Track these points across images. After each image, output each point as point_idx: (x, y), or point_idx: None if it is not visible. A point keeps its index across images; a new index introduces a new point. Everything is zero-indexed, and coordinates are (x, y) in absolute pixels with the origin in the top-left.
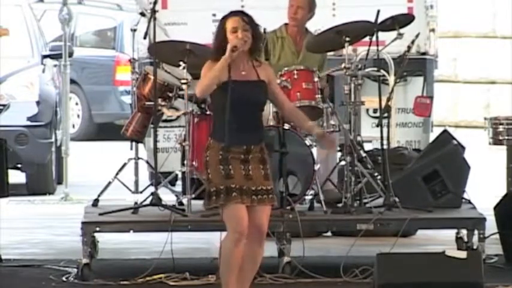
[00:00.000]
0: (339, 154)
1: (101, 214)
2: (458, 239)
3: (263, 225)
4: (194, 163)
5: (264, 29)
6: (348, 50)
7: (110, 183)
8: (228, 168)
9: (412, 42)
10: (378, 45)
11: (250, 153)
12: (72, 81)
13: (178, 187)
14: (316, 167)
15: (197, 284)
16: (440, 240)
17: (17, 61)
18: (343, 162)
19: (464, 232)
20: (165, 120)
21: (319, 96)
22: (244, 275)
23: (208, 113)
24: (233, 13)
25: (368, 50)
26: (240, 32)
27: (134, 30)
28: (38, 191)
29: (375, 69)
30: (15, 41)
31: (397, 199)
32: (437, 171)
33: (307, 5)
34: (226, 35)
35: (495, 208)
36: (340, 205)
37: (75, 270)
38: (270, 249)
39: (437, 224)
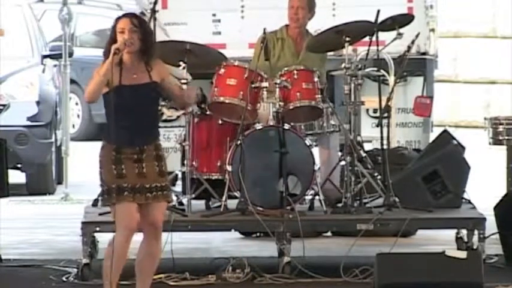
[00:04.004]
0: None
1: (101, 214)
2: (458, 239)
3: (158, 221)
4: (194, 163)
5: (264, 29)
6: (348, 50)
7: None
8: (120, 167)
9: (412, 42)
10: (377, 45)
11: (144, 152)
12: (72, 81)
13: (178, 187)
14: (316, 167)
15: (197, 284)
16: (440, 240)
17: (17, 61)
18: (343, 162)
19: (464, 232)
20: (165, 120)
21: (319, 96)
22: (145, 271)
23: (208, 113)
24: (124, 15)
25: (368, 50)
26: (126, 33)
27: None
28: (38, 191)
29: (375, 69)
30: (15, 41)
31: (397, 199)
32: (437, 171)
33: (307, 5)
34: (117, 36)
35: (495, 208)
36: (340, 205)
37: (75, 270)
38: (270, 249)
39: (437, 224)
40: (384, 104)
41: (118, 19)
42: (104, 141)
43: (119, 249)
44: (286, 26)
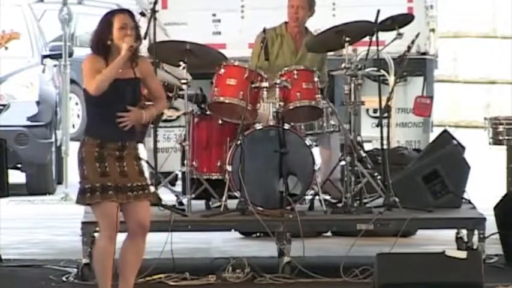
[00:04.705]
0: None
1: None
2: (458, 239)
3: (145, 220)
4: (194, 163)
5: (264, 28)
6: (348, 50)
7: None
8: (104, 165)
9: (412, 42)
10: (378, 45)
11: (125, 149)
12: (72, 81)
13: (178, 187)
14: (316, 167)
15: (197, 284)
16: (440, 240)
17: (17, 61)
18: (343, 162)
19: (464, 232)
20: (165, 120)
21: (319, 96)
22: (130, 268)
23: (208, 113)
24: (121, 10)
25: (368, 50)
26: (129, 30)
27: None
28: (38, 191)
29: (375, 69)
30: (15, 41)
31: (397, 199)
32: (437, 171)
33: (307, 4)
34: (112, 31)
35: (495, 208)
36: (340, 205)
37: (75, 270)
38: (270, 249)
39: (437, 224)
40: (384, 104)
41: (115, 13)
42: (86, 135)
43: (106, 250)
44: (286, 22)
